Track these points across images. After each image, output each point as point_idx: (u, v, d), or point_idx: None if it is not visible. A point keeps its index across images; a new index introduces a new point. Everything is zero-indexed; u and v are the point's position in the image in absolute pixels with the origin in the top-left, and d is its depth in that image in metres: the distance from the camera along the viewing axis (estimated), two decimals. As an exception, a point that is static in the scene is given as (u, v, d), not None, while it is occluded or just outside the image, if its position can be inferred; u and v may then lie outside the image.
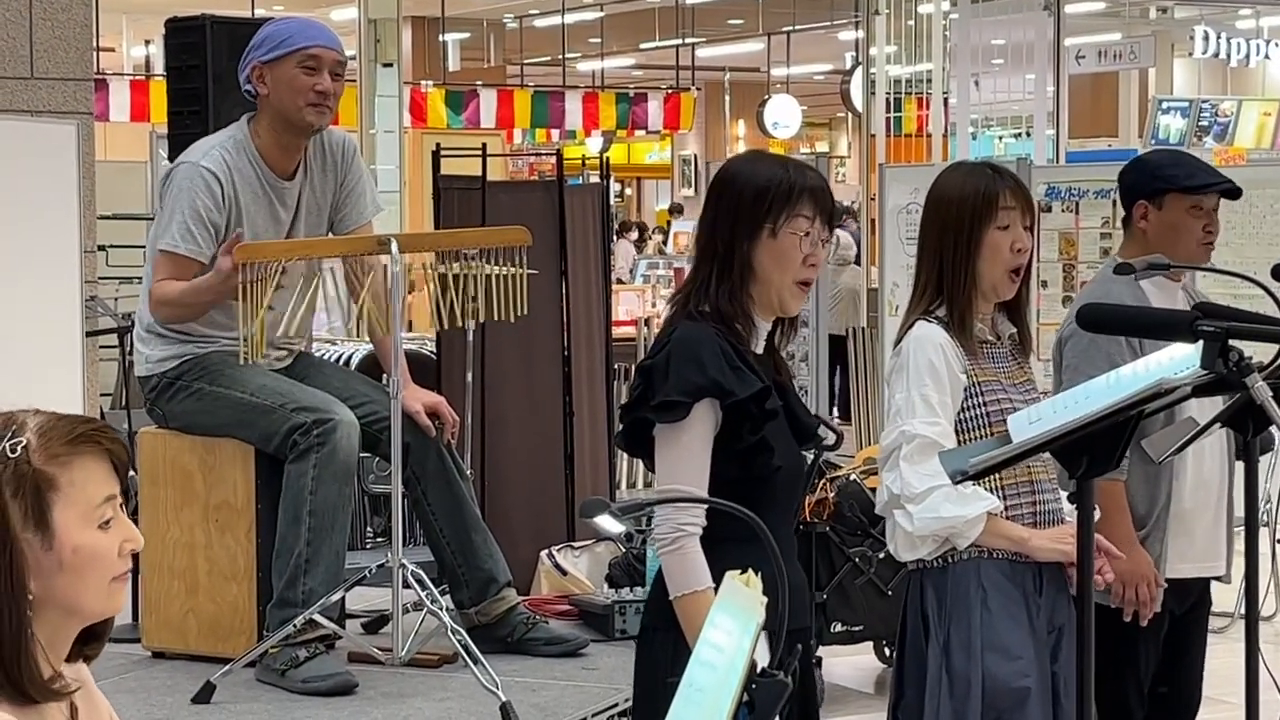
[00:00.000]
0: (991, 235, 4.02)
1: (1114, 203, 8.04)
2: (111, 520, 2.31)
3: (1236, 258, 8.67)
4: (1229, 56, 22.21)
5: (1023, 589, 4.02)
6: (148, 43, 23.15)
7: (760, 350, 3.57)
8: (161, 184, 4.92)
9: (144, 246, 11.43)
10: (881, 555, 7.03)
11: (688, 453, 3.43)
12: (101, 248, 6.59)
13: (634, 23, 25.99)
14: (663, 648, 3.42)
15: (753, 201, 3.52)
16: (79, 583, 2.29)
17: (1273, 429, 3.57)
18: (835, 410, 12.97)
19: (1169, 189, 4.61)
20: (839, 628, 7.20)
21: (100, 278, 6.64)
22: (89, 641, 2.40)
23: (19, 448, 2.26)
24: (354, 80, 17.58)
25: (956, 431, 3.99)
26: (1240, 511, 4.08)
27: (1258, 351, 3.39)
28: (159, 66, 18.06)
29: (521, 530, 7.54)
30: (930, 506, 3.94)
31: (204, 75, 5.99)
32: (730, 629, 2.49)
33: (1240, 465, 4.48)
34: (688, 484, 3.42)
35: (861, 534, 7.15)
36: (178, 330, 4.88)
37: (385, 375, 4.82)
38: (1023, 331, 4.20)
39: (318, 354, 5.88)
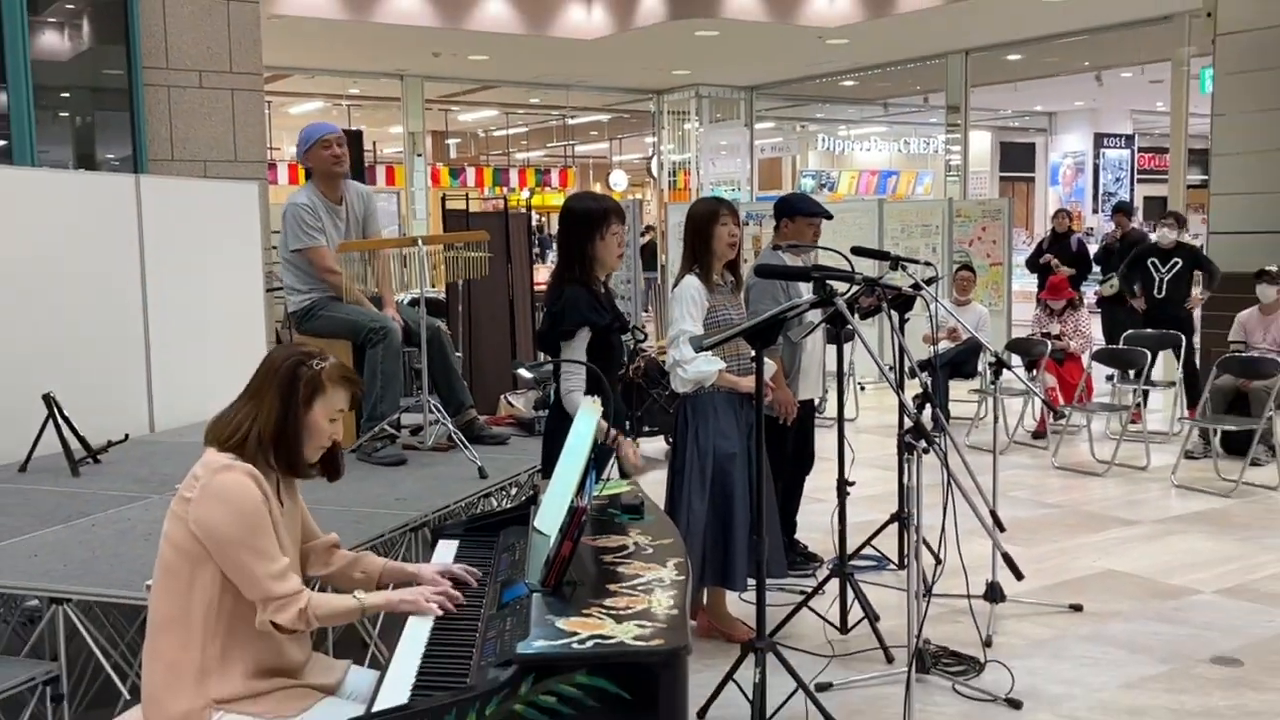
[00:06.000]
0: (718, 230, 4.03)
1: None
2: (335, 421, 2.26)
3: (840, 244, 8.78)
4: (834, 149, 22.38)
5: (734, 406, 4.04)
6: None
7: (603, 291, 3.55)
8: (282, 219, 4.75)
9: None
10: (666, 393, 7.09)
11: (578, 345, 3.38)
12: (272, 247, 6.43)
13: (544, 133, 25.65)
14: (552, 440, 3.39)
15: (587, 221, 3.42)
16: (308, 441, 2.24)
17: (849, 326, 3.64)
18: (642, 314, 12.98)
19: (798, 213, 4.67)
20: (646, 429, 7.27)
21: (271, 263, 6.47)
22: (330, 472, 2.33)
23: (320, 367, 2.23)
24: (401, 162, 17.23)
25: (704, 330, 4.01)
26: (831, 368, 4.15)
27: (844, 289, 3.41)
28: (302, 156, 17.40)
29: (491, 385, 7.53)
30: (695, 366, 3.95)
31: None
32: (587, 421, 2.52)
33: (832, 348, 4.61)
34: (580, 357, 3.37)
35: (656, 383, 7.21)
36: (305, 285, 4.73)
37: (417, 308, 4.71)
38: (737, 279, 4.19)
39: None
